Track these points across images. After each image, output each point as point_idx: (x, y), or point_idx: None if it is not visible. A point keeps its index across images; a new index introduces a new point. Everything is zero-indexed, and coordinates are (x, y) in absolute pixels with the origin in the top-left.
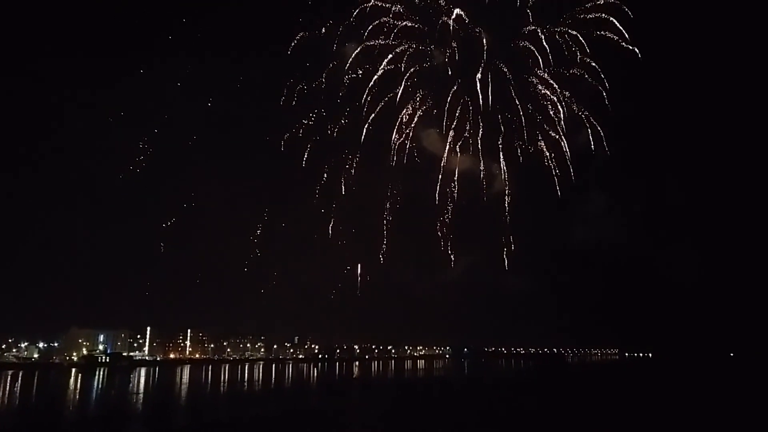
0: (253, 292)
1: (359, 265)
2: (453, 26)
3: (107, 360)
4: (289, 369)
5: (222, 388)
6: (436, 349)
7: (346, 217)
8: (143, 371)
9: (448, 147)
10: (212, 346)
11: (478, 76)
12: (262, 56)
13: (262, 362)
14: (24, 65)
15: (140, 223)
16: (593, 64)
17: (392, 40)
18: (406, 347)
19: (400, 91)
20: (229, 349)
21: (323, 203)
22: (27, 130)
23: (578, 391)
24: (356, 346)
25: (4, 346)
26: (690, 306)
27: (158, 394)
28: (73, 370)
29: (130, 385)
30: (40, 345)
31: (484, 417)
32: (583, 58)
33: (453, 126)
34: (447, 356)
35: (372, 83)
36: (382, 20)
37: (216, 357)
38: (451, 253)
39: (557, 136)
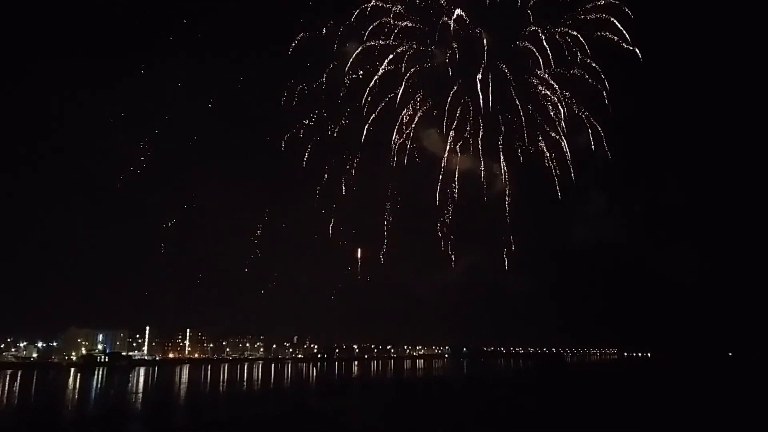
0: (253, 292)
1: (359, 249)
2: (453, 27)
3: (106, 359)
4: (289, 369)
5: (221, 388)
6: (435, 348)
7: (346, 217)
8: (142, 371)
9: (448, 147)
10: (211, 345)
11: (479, 76)
12: (262, 56)
13: (261, 362)
14: (24, 65)
15: (140, 223)
16: (593, 64)
17: (393, 41)
18: (405, 347)
19: (401, 92)
20: (228, 349)
21: (324, 203)
22: (27, 130)
23: (577, 390)
24: (355, 346)
25: (2, 346)
26: (689, 306)
27: (157, 394)
28: (72, 369)
29: (129, 384)
30: (39, 344)
31: (483, 416)
32: (583, 58)
33: (453, 126)
34: (446, 356)
35: (372, 83)
36: (382, 20)
37: (215, 357)
38: (452, 253)
39: (557, 137)
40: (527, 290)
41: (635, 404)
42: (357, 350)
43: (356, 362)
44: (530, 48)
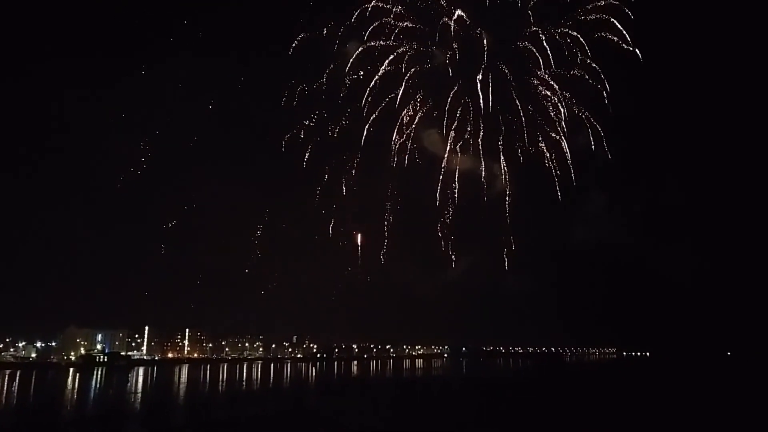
0: (252, 292)
1: (359, 234)
2: (454, 27)
3: (105, 359)
4: (288, 368)
5: (220, 388)
6: (435, 348)
7: (346, 217)
8: (141, 371)
9: (448, 148)
10: (210, 345)
11: (479, 77)
12: (263, 57)
13: (260, 362)
14: (25, 66)
15: (140, 223)
16: (594, 65)
17: (393, 41)
18: (405, 346)
19: (401, 92)
20: (227, 349)
21: (324, 204)
22: (28, 130)
23: (577, 390)
24: (354, 346)
25: (1, 346)
26: (688, 305)
27: (156, 394)
28: (71, 369)
29: (128, 384)
30: (38, 344)
31: (483, 416)
32: (583, 59)
33: (453, 127)
34: (445, 356)
35: (373, 84)
36: (382, 21)
37: (214, 356)
38: (452, 254)
39: (558, 137)
40: (527, 290)
41: (634, 403)
42: (356, 350)
43: (355, 362)
44: (530, 48)
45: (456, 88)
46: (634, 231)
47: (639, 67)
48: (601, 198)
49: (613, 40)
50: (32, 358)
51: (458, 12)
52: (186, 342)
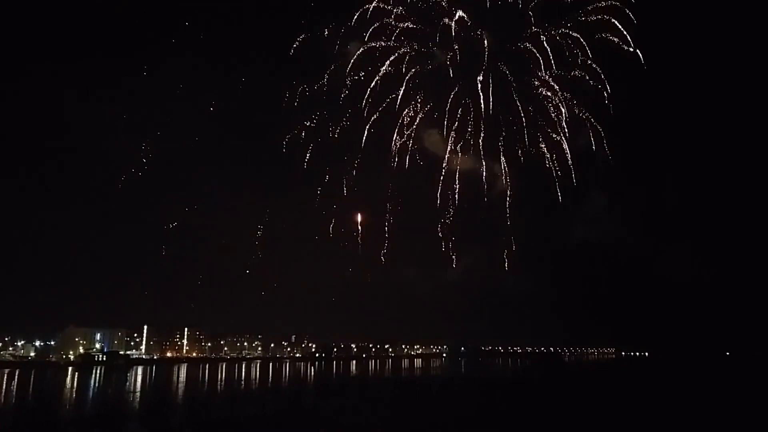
0: (252, 292)
1: (358, 214)
2: (455, 28)
3: (104, 358)
4: (287, 368)
5: (219, 387)
6: (433, 348)
7: (347, 218)
8: (140, 370)
9: (449, 148)
10: (209, 344)
11: (480, 77)
12: (264, 58)
13: (259, 361)
14: (26, 67)
15: (141, 223)
16: (594, 66)
17: (394, 42)
18: (403, 346)
19: (402, 93)
20: (226, 348)
21: (324, 204)
22: (29, 130)
23: (575, 389)
24: (353, 345)
25: (0, 345)
26: (687, 306)
27: (155, 393)
28: (70, 368)
29: (127, 383)
30: (37, 343)
31: (483, 416)
32: (584, 60)
33: (454, 127)
34: (444, 355)
35: (373, 85)
36: (383, 22)
37: (213, 355)
38: (452, 254)
39: (558, 138)
40: (527, 290)
41: (633, 403)
42: (355, 349)
43: (354, 361)
44: (531, 49)
45: (457, 88)
46: (633, 231)
47: (640, 68)
48: (601, 198)
49: (614, 41)
50: (31, 357)
51: (459, 13)
52: (185, 341)
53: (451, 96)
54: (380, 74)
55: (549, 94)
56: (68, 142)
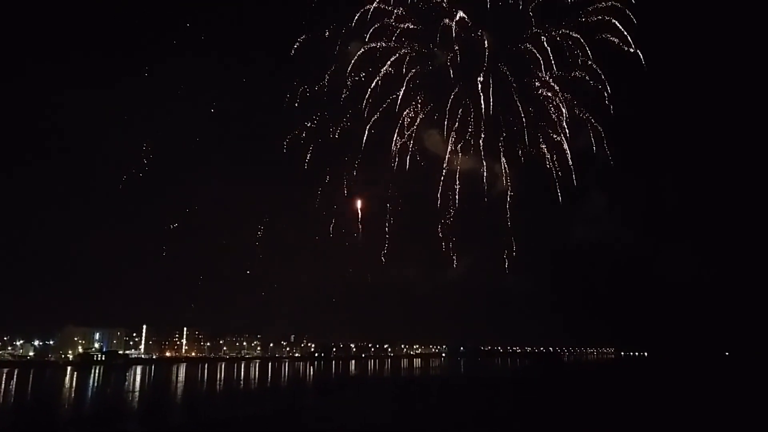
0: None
1: (358, 200)
2: (455, 29)
3: (103, 358)
4: (286, 367)
5: (218, 387)
6: (432, 347)
7: (347, 217)
8: (139, 369)
9: (449, 149)
10: (208, 344)
11: (480, 78)
12: (264, 58)
13: (258, 360)
14: (27, 66)
15: (141, 223)
16: (595, 66)
17: (394, 43)
18: (403, 346)
19: (402, 94)
20: (225, 348)
21: (325, 205)
22: (29, 130)
23: (575, 389)
24: (352, 345)
25: None
26: (686, 306)
27: (154, 393)
28: (69, 368)
29: (126, 383)
30: (36, 343)
31: (482, 416)
32: (585, 60)
33: (454, 128)
34: (443, 355)
35: (374, 85)
36: (384, 22)
37: (212, 355)
38: (453, 255)
39: (558, 138)
40: (526, 290)
41: (632, 403)
42: (354, 349)
43: (353, 361)
44: (532, 50)
45: (457, 89)
46: (633, 232)
47: (640, 69)
48: (602, 199)
49: (615, 41)
50: (30, 356)
51: (459, 13)
52: (184, 341)
53: (452, 96)
54: (381, 75)
55: (549, 94)
56: (68, 142)
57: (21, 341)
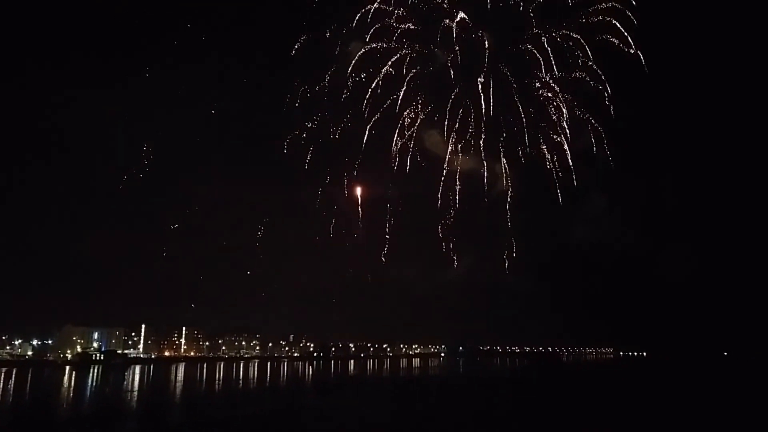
0: (253, 292)
1: (358, 188)
2: (455, 29)
3: (101, 357)
4: (285, 367)
5: (217, 386)
6: (432, 347)
7: (347, 218)
8: (138, 369)
9: (450, 149)
10: (207, 343)
11: (480, 79)
12: (265, 59)
13: (257, 360)
14: (27, 67)
15: (141, 224)
16: (595, 67)
17: (395, 43)
18: (402, 345)
19: (402, 94)
20: (224, 347)
21: (325, 205)
22: (29, 131)
23: (574, 389)
24: (351, 345)
25: None
26: (685, 306)
27: (153, 392)
28: (68, 367)
29: (125, 382)
30: (34, 342)
31: (481, 415)
32: (585, 61)
33: (455, 129)
34: (442, 355)
35: (374, 86)
36: (384, 23)
37: (211, 355)
38: (453, 255)
39: (559, 139)
40: (526, 290)
41: (631, 403)
42: (353, 349)
43: (352, 361)
44: (532, 51)
45: (457, 90)
46: (633, 232)
47: (640, 70)
48: (602, 199)
49: (615, 42)
50: (28, 356)
51: (460, 14)
52: (183, 340)
53: (452, 97)
54: (381, 75)
55: (550, 95)
56: (68, 142)
57: (19, 340)
